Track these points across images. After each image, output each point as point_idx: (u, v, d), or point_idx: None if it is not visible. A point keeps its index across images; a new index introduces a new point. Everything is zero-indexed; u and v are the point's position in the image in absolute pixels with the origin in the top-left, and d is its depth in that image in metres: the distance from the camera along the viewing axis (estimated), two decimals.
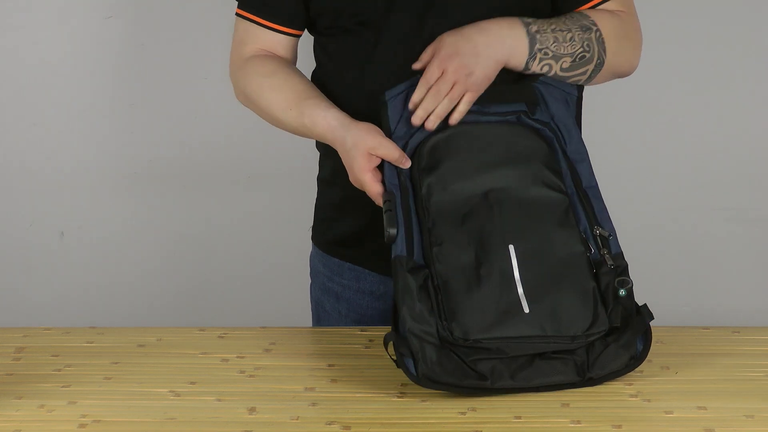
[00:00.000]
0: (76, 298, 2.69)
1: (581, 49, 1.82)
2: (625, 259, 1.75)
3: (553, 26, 1.82)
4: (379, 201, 1.76)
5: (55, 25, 2.56)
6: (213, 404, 1.65)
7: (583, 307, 1.69)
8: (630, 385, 1.70)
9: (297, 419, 1.60)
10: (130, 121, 2.60)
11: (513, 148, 1.77)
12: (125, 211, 2.66)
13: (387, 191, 1.75)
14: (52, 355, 1.82)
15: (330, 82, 1.92)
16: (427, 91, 1.76)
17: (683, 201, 2.61)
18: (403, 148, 1.77)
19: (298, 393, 1.68)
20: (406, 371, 1.66)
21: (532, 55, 1.80)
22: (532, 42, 1.79)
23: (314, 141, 2.00)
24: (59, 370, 1.76)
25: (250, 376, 1.75)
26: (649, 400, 1.65)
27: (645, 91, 2.58)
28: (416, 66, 1.79)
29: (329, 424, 1.58)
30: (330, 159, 1.96)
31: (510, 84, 1.83)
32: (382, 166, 1.77)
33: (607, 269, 1.73)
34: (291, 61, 1.98)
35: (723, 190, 2.61)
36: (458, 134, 1.78)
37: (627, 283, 1.73)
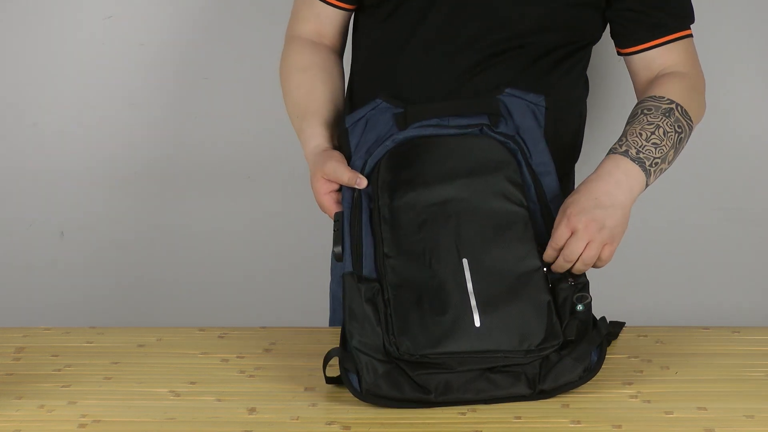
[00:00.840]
0: (76, 298, 2.68)
1: (676, 135, 1.84)
2: (587, 276, 1.74)
3: (644, 135, 1.81)
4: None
5: (55, 25, 2.56)
6: (213, 404, 1.65)
7: (536, 320, 1.67)
8: (630, 385, 1.70)
9: (297, 419, 1.60)
10: (130, 121, 2.60)
11: (474, 159, 1.77)
12: (125, 211, 2.65)
13: (338, 211, 1.77)
14: (52, 355, 1.82)
15: (361, 72, 1.98)
16: (558, 253, 1.72)
17: (683, 201, 2.61)
18: (363, 165, 1.78)
19: (298, 393, 1.68)
20: (350, 387, 1.65)
21: (647, 174, 1.80)
22: (641, 164, 1.79)
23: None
24: (59, 370, 1.76)
25: (250, 376, 1.75)
26: (649, 401, 1.65)
27: None
28: (547, 255, 1.73)
29: (329, 424, 1.58)
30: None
31: (471, 98, 1.83)
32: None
33: (566, 285, 1.72)
34: (337, 45, 2.02)
35: (723, 190, 2.61)
36: (418, 146, 1.78)
37: (585, 299, 1.72)
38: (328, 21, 2.00)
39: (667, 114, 1.83)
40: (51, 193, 2.64)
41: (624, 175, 1.78)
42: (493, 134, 1.78)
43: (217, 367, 1.78)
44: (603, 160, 1.80)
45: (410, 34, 1.91)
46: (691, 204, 2.62)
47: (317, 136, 1.89)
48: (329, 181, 1.80)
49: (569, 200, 1.74)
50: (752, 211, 2.61)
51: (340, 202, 1.79)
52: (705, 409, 1.61)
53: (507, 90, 1.81)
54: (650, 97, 1.86)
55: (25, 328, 1.93)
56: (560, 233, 1.71)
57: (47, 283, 2.68)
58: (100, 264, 2.68)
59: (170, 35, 2.58)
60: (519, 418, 1.59)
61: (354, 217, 1.75)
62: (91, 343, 1.88)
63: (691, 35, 1.96)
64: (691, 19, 1.97)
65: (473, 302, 1.67)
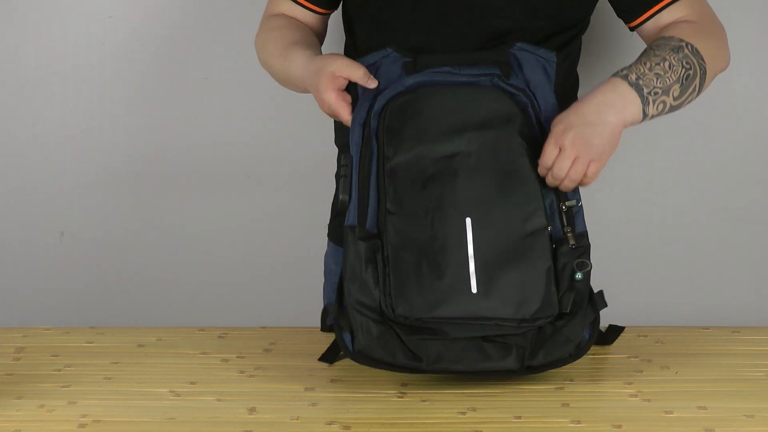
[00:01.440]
0: (76, 298, 2.68)
1: (683, 70, 1.80)
2: (589, 239, 1.72)
3: (648, 64, 1.78)
4: (346, 117, 1.74)
5: (55, 25, 2.56)
6: (213, 404, 1.65)
7: (534, 288, 1.66)
8: (630, 385, 1.70)
9: (297, 419, 1.60)
10: (130, 121, 2.60)
11: (484, 112, 1.74)
12: (125, 211, 2.65)
13: (346, 153, 1.73)
14: (52, 355, 1.82)
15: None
16: (548, 173, 1.71)
17: (683, 201, 2.61)
18: (369, 108, 1.74)
19: (298, 393, 1.68)
20: (343, 347, 1.65)
21: (644, 101, 1.76)
22: (639, 89, 1.76)
23: (318, 144, 2.02)
24: (59, 370, 1.76)
25: (250, 376, 1.75)
26: (649, 400, 1.65)
27: None
28: (540, 171, 1.72)
29: (329, 424, 1.58)
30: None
31: (483, 51, 1.80)
32: (353, 106, 1.75)
33: (567, 249, 1.70)
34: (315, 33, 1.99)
35: (723, 190, 2.61)
36: (428, 95, 1.74)
37: (585, 266, 1.70)
38: (305, 19, 1.98)
39: (675, 50, 1.79)
40: (51, 193, 2.64)
41: (618, 96, 1.74)
42: (504, 85, 1.76)
43: (217, 367, 1.78)
44: (602, 85, 1.76)
45: (402, 36, 1.89)
46: (691, 204, 2.62)
47: (309, 50, 1.84)
48: (339, 77, 1.75)
49: (558, 119, 1.72)
50: (752, 211, 2.61)
51: (348, 103, 1.74)
52: (705, 408, 1.61)
53: (518, 44, 1.79)
54: (660, 37, 1.82)
55: (25, 328, 1.93)
56: (549, 152, 1.69)
57: (47, 283, 2.68)
58: (100, 264, 2.68)
59: (170, 35, 2.57)
60: (519, 418, 1.59)
61: (363, 165, 1.72)
62: (91, 343, 1.88)
63: None
64: None
65: (472, 267, 1.66)
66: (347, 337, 1.66)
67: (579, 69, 2.04)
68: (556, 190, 1.72)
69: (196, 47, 2.59)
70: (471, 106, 1.74)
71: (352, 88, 1.76)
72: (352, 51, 1.96)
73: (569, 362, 1.68)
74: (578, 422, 1.58)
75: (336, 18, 2.04)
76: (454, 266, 1.65)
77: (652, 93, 1.76)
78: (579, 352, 1.68)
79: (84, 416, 1.60)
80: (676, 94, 1.79)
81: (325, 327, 1.75)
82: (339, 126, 2.00)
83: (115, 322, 2.62)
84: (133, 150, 2.62)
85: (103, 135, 2.61)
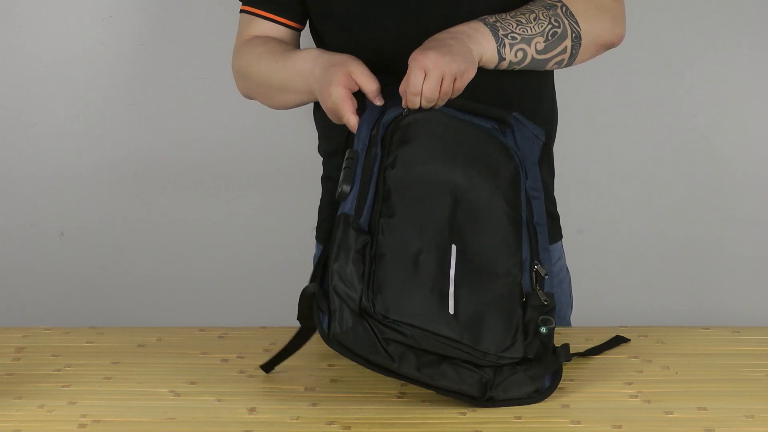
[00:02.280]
0: (76, 298, 2.69)
1: (550, 26, 1.81)
2: (554, 301, 1.73)
3: (513, 13, 1.81)
4: (351, 120, 1.74)
5: (55, 25, 2.56)
6: (213, 404, 1.65)
7: (504, 328, 1.67)
8: (630, 384, 1.70)
9: (297, 419, 1.60)
10: (130, 121, 2.60)
11: (488, 156, 1.75)
12: (125, 211, 2.65)
13: (353, 149, 1.74)
14: (52, 355, 1.82)
15: None
16: (419, 97, 1.72)
17: (683, 201, 2.61)
18: (378, 119, 1.74)
19: (298, 393, 1.68)
20: (319, 328, 1.64)
21: (500, 42, 1.78)
22: (494, 30, 1.78)
23: (317, 144, 2.02)
24: (59, 370, 1.76)
25: (250, 376, 1.75)
26: (649, 400, 1.65)
27: (645, 91, 2.58)
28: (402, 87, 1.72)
29: (329, 424, 1.58)
30: (335, 158, 1.96)
31: (485, 104, 1.81)
32: (361, 111, 1.75)
33: (537, 302, 1.71)
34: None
35: (723, 190, 2.61)
36: (439, 120, 1.75)
37: (550, 323, 1.71)
38: (280, 36, 1.98)
39: (547, 7, 1.81)
40: (51, 193, 2.64)
41: (473, 30, 1.76)
42: (503, 139, 1.78)
43: (217, 367, 1.78)
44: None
45: (356, 42, 1.90)
46: (691, 204, 2.62)
47: (320, 50, 1.84)
48: (352, 80, 1.76)
49: (415, 49, 1.73)
50: (752, 212, 2.61)
51: (354, 105, 1.75)
52: (705, 409, 1.61)
53: (514, 114, 1.81)
54: None
55: (25, 328, 1.93)
56: (414, 77, 1.69)
57: (47, 283, 2.68)
58: (100, 264, 2.68)
59: (170, 35, 2.58)
60: (519, 418, 1.59)
61: (367, 162, 1.73)
62: (91, 343, 1.88)
63: None
64: None
65: (451, 290, 1.66)
66: (324, 318, 1.65)
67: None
68: (530, 251, 1.75)
69: (196, 47, 2.59)
70: (478, 146, 1.76)
71: (359, 98, 1.77)
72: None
73: (526, 403, 1.67)
74: (578, 422, 1.58)
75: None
76: (436, 284, 1.66)
77: (509, 36, 1.78)
78: (538, 396, 1.68)
79: (84, 416, 1.60)
80: (539, 47, 1.81)
81: (302, 315, 1.72)
82: (324, 133, 2.01)
83: (115, 322, 2.62)
84: (133, 150, 2.62)
85: (103, 135, 2.61)
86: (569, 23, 1.83)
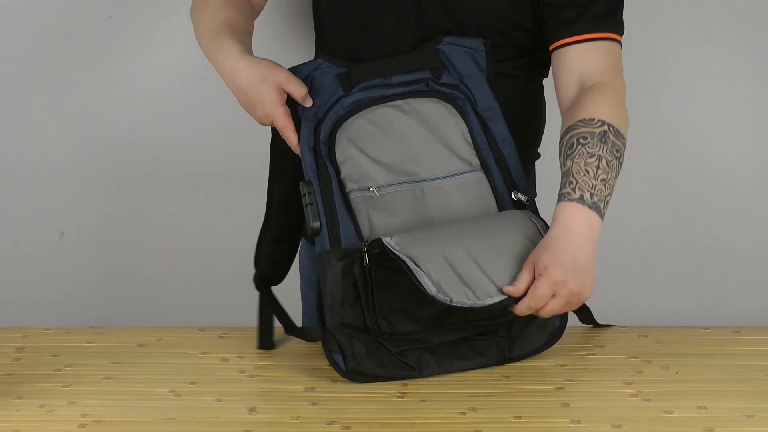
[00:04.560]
0: (76, 298, 2.68)
1: (616, 160, 1.80)
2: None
3: (590, 171, 1.76)
4: (292, 139, 1.76)
5: (55, 25, 2.56)
6: (213, 404, 1.65)
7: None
8: (630, 384, 1.70)
9: (297, 419, 1.60)
10: (130, 121, 2.60)
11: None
12: (125, 211, 2.65)
13: (305, 181, 1.75)
14: (52, 355, 1.82)
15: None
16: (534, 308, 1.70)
17: (683, 201, 2.61)
18: (314, 130, 1.76)
19: (298, 393, 1.69)
20: (336, 367, 1.70)
21: (602, 215, 1.76)
22: (597, 210, 1.75)
23: None
24: (59, 370, 1.76)
25: (250, 376, 1.75)
26: (649, 400, 1.65)
27: (644, 91, 2.57)
28: (510, 290, 1.67)
29: (329, 424, 1.58)
30: None
31: (411, 52, 1.82)
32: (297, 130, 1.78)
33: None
34: (250, 5, 1.97)
35: (723, 190, 2.61)
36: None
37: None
38: None
39: (602, 139, 1.79)
40: (51, 193, 2.64)
41: (588, 228, 1.73)
42: (437, 87, 1.78)
43: (217, 367, 1.78)
44: (561, 209, 1.74)
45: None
46: (691, 204, 2.62)
47: (240, 43, 1.82)
48: (283, 91, 1.77)
49: (547, 258, 1.68)
50: (751, 211, 2.61)
51: (292, 122, 1.77)
52: (705, 409, 1.61)
53: (445, 39, 1.81)
54: (580, 121, 1.80)
55: (25, 328, 1.93)
56: (543, 290, 1.66)
57: (47, 283, 2.68)
58: (100, 264, 2.68)
59: (170, 35, 2.58)
60: (519, 418, 1.59)
61: (325, 190, 1.74)
62: (91, 343, 1.88)
63: (616, 42, 1.88)
64: (615, 27, 1.88)
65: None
66: (338, 357, 1.70)
67: None
68: (505, 182, 1.79)
69: (196, 47, 2.59)
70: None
71: (290, 103, 1.79)
72: (320, 39, 1.99)
73: (545, 349, 1.76)
74: (578, 422, 1.58)
75: (303, 17, 2.02)
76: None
77: (605, 205, 1.77)
78: (552, 339, 1.76)
79: (84, 416, 1.60)
80: (614, 183, 1.80)
81: (291, 331, 1.79)
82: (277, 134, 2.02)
83: (115, 322, 2.62)
84: (133, 150, 2.62)
85: (103, 135, 2.61)
86: (621, 143, 1.81)
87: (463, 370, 1.71)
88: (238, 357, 1.81)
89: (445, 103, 1.79)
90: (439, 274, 1.64)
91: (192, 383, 1.71)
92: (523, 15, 1.87)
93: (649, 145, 2.59)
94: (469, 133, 1.79)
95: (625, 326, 1.94)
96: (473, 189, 1.77)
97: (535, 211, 1.80)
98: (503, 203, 1.79)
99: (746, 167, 2.60)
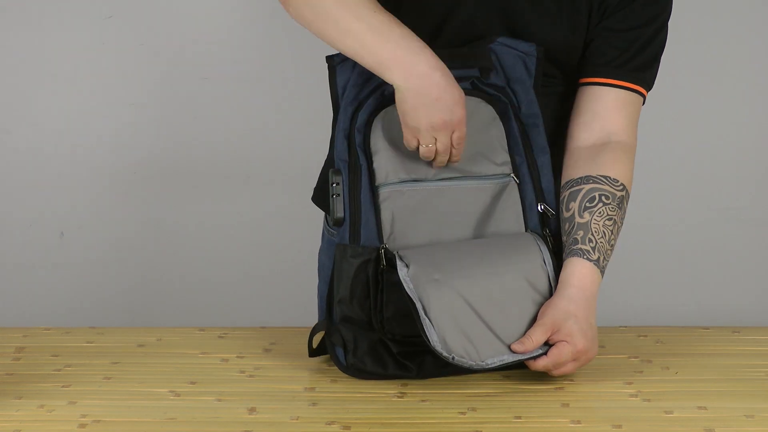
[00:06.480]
0: (76, 298, 2.69)
1: (621, 226, 1.81)
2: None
3: (607, 235, 1.77)
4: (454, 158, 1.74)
5: (55, 24, 2.56)
6: (213, 404, 1.65)
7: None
8: (630, 384, 1.70)
9: (297, 419, 1.60)
10: (130, 121, 2.60)
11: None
12: (125, 211, 2.66)
13: (335, 169, 1.73)
14: (52, 355, 1.82)
15: None
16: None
17: (683, 201, 2.61)
18: (353, 115, 1.73)
19: (298, 393, 1.69)
20: (336, 361, 1.71)
21: (604, 271, 1.77)
22: (602, 272, 1.76)
23: (316, 145, 2.01)
24: (59, 370, 1.76)
25: (250, 376, 1.75)
26: (649, 400, 1.65)
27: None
28: (519, 348, 1.69)
29: (329, 424, 1.58)
30: None
31: (463, 48, 1.79)
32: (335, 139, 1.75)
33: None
34: None
35: (723, 190, 2.61)
36: None
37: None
38: None
39: (620, 205, 1.80)
40: (51, 193, 2.64)
41: (597, 290, 1.75)
42: (483, 87, 1.76)
43: (217, 367, 1.78)
44: (580, 267, 1.74)
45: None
46: (691, 204, 2.62)
47: (410, 31, 1.72)
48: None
49: (571, 326, 1.69)
50: (751, 211, 2.62)
51: None
52: (705, 408, 1.61)
53: (498, 39, 1.79)
54: (605, 177, 1.80)
55: (25, 328, 1.93)
56: (564, 361, 1.69)
57: (47, 283, 2.68)
58: (100, 264, 2.68)
59: (170, 35, 2.58)
60: (519, 418, 1.59)
61: (353, 182, 1.73)
62: (91, 343, 1.88)
63: (643, 97, 1.88)
64: (649, 81, 1.88)
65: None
66: (340, 351, 1.71)
67: None
68: (534, 191, 1.78)
69: (196, 47, 2.59)
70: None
71: (331, 82, 1.75)
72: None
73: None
74: (578, 422, 1.58)
75: None
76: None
77: (605, 260, 1.78)
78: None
79: (84, 416, 1.60)
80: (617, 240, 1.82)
81: (313, 351, 1.77)
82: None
83: (115, 322, 2.62)
84: (133, 150, 2.62)
85: (103, 135, 2.61)
86: (626, 209, 1.83)
87: (462, 372, 1.71)
88: (237, 357, 1.81)
89: (486, 104, 1.77)
90: (446, 328, 1.65)
91: (192, 383, 1.71)
92: (579, 40, 1.85)
93: (649, 145, 2.60)
94: (506, 137, 1.78)
95: (625, 326, 1.94)
96: (501, 195, 1.77)
97: (558, 226, 1.78)
98: (529, 214, 1.77)
99: (746, 167, 2.60)
